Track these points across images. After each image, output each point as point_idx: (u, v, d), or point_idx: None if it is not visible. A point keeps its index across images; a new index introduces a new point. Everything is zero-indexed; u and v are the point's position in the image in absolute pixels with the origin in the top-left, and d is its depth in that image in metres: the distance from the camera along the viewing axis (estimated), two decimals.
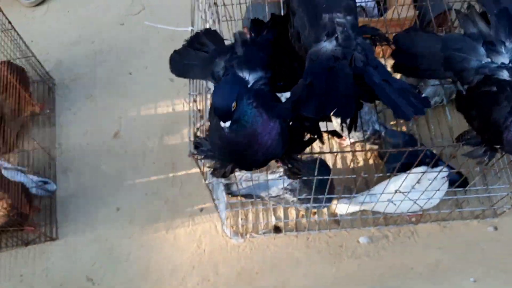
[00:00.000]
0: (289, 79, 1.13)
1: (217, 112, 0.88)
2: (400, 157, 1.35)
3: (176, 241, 1.72)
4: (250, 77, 1.04)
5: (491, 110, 1.05)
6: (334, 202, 1.63)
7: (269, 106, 0.96)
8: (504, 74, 1.07)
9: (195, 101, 1.18)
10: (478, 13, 1.15)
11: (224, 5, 1.59)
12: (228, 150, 0.94)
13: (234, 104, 0.87)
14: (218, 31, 1.53)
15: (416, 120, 1.88)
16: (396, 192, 1.41)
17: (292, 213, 1.72)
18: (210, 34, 1.18)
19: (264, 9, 1.55)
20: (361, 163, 1.81)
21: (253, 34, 1.17)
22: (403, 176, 1.40)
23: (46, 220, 1.77)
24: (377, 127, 1.67)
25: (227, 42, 1.23)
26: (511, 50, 1.09)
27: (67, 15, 2.28)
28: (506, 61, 1.09)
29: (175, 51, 1.17)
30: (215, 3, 1.56)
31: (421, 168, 1.43)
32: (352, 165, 1.80)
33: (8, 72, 1.82)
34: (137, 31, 2.19)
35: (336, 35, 1.03)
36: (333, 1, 1.06)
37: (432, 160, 1.44)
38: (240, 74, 1.04)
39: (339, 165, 1.81)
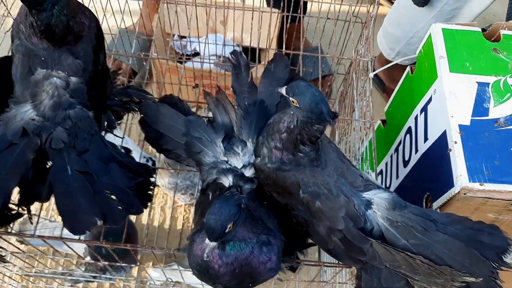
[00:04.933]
0: None
1: None
2: None
3: None
4: None
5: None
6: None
7: None
8: (226, 180, 0.90)
9: None
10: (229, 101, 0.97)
11: None
12: None
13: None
14: None
15: None
16: None
17: None
18: None
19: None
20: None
21: None
22: None
23: None
24: None
25: None
26: (251, 152, 0.92)
27: None
28: (239, 165, 0.92)
29: None
30: None
31: None
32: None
33: None
34: None
35: (43, 100, 0.85)
36: (61, 56, 0.87)
37: None
38: None
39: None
